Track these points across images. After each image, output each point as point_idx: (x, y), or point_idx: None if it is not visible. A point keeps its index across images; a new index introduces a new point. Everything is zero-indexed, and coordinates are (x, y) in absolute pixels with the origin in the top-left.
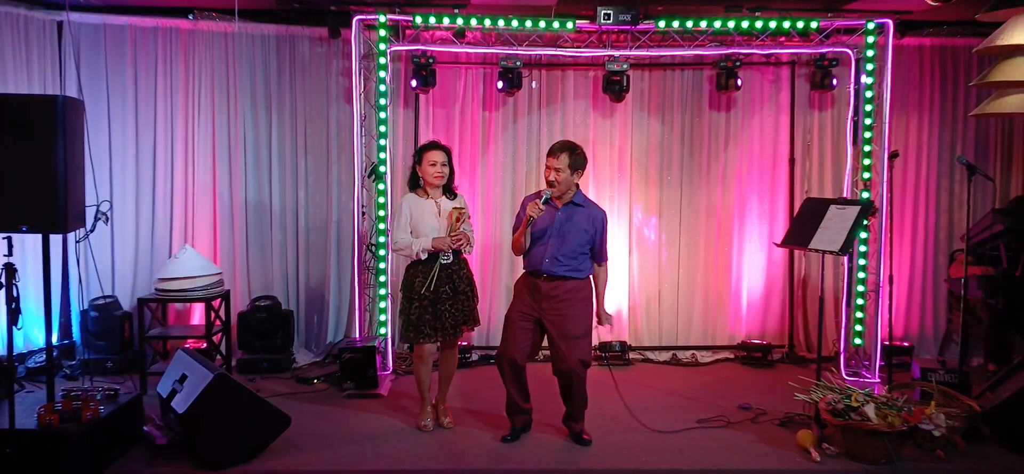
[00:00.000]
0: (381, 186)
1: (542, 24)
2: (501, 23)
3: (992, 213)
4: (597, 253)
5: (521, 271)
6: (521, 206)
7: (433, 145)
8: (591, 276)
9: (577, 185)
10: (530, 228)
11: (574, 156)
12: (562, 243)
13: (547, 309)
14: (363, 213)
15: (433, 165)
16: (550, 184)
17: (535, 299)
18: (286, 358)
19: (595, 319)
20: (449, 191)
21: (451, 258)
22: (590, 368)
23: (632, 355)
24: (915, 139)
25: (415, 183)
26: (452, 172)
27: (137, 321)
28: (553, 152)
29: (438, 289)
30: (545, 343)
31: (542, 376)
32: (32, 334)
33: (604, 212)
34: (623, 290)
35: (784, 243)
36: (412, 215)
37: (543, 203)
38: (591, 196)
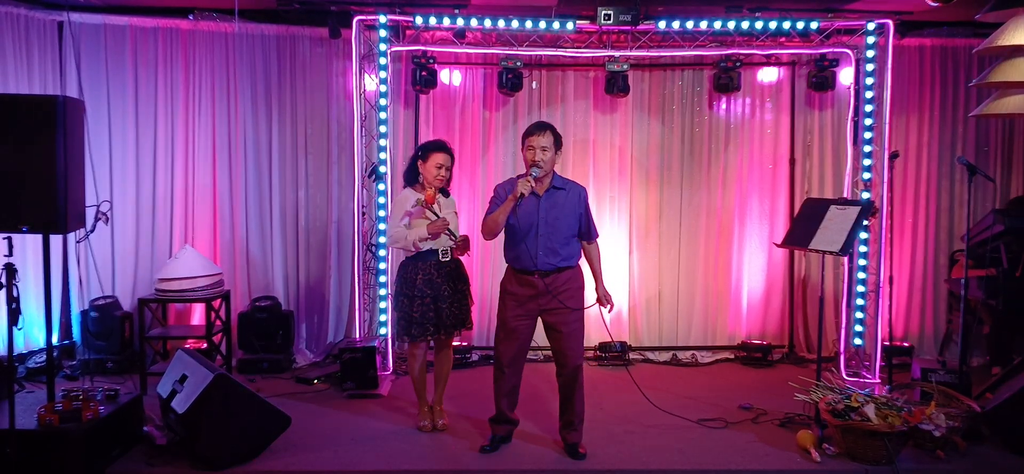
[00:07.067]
0: (381, 186)
1: (542, 24)
2: (501, 23)
3: (992, 213)
4: (586, 231)
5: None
6: (494, 192)
7: (442, 146)
8: (581, 260)
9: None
10: (516, 214)
11: (556, 135)
12: (553, 232)
13: (545, 305)
14: (363, 213)
15: (438, 167)
16: (535, 164)
17: (532, 297)
18: (286, 358)
19: (597, 302)
20: (444, 191)
21: (449, 255)
22: (588, 368)
23: (632, 355)
24: (915, 139)
25: (413, 178)
26: (450, 177)
27: (137, 321)
28: (537, 130)
29: (440, 286)
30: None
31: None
32: (32, 334)
33: (583, 187)
34: (623, 290)
35: (784, 243)
36: (408, 210)
37: (533, 178)
38: (591, 196)
